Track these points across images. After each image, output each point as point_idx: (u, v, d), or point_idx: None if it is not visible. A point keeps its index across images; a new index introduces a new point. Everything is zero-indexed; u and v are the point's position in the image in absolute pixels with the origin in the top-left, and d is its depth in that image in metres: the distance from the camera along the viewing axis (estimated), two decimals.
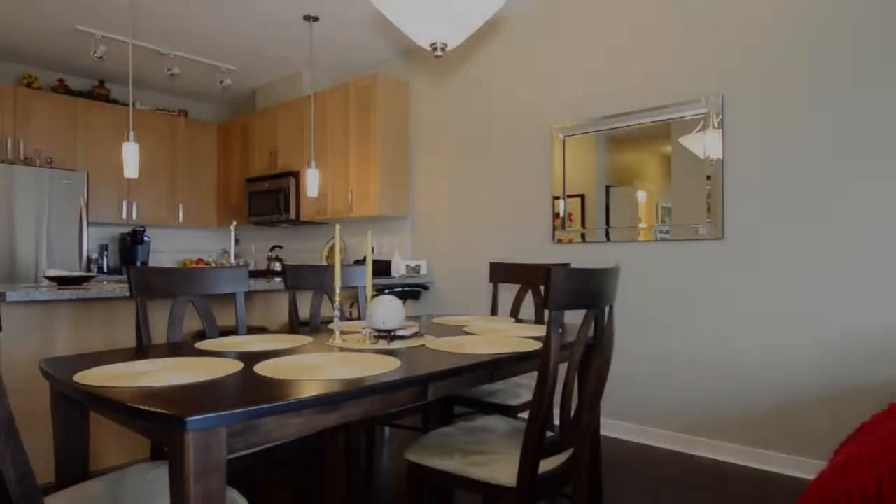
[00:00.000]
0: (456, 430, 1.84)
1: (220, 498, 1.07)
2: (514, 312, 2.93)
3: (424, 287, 4.29)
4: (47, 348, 2.60)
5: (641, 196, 3.36)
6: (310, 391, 1.23)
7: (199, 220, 5.99)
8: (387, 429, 3.60)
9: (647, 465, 2.93)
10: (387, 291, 4.00)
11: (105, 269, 5.40)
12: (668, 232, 3.26)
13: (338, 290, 1.91)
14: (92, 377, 1.33)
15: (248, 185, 5.55)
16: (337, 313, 1.89)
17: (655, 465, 2.93)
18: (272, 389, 1.24)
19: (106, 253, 5.43)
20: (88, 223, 4.86)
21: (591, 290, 1.53)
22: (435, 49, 2.05)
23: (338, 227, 1.95)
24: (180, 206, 5.80)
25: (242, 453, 1.72)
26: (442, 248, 4.40)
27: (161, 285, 2.07)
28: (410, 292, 4.26)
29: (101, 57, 4.26)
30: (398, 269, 4.37)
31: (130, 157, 2.99)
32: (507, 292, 3.91)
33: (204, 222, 6.03)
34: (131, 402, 1.11)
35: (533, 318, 2.94)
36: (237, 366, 1.48)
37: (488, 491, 1.57)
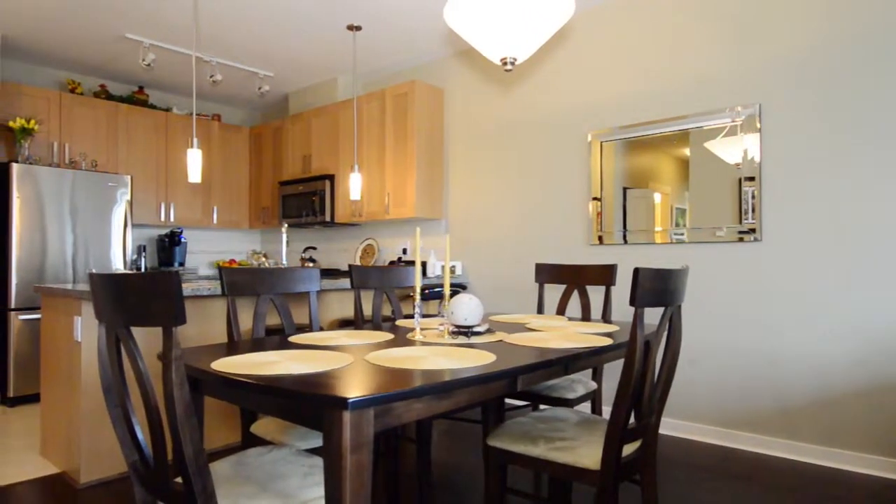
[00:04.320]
0: (532, 420, 1.98)
1: (369, 470, 1.21)
2: (560, 311, 3.07)
3: (462, 287, 4.43)
4: None
5: (657, 198, 3.50)
6: (428, 380, 1.36)
7: (231, 222, 6.14)
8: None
9: (690, 457, 3.06)
10: (427, 291, 4.14)
11: (144, 270, 5.56)
12: (683, 234, 3.40)
13: (418, 290, 2.04)
14: (227, 366, 1.47)
15: (281, 188, 5.70)
16: (418, 310, 2.03)
17: (699, 457, 3.06)
18: (395, 378, 1.37)
19: (144, 254, 5.58)
20: (133, 225, 5.02)
21: (669, 289, 1.66)
22: (505, 63, 2.19)
23: (418, 229, 2.09)
24: (214, 209, 5.96)
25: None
26: (476, 249, 4.53)
27: (247, 285, 2.22)
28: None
29: (149, 64, 4.41)
30: (434, 270, 4.52)
31: (194, 163, 3.14)
32: (548, 292, 4.04)
33: (236, 224, 6.19)
34: (293, 388, 1.25)
35: (579, 316, 3.08)
36: (349, 357, 1.61)
37: (572, 474, 1.70)
